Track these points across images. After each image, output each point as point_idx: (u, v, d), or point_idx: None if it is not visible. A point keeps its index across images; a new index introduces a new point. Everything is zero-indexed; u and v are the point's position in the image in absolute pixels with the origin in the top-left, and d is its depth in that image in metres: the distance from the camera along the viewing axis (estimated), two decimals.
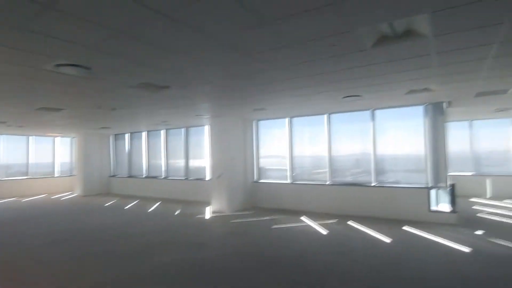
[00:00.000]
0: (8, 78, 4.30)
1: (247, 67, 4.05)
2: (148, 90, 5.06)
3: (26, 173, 13.67)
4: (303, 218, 7.58)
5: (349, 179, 8.33)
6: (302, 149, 9.22)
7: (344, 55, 3.63)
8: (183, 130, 11.49)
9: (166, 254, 5.05)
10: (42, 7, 2.31)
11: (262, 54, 3.56)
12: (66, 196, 12.85)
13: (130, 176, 13.41)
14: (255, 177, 9.70)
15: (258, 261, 4.67)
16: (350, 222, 6.95)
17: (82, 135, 12.98)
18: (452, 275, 3.99)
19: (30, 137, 13.67)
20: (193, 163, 11.40)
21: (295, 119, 9.17)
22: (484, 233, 5.79)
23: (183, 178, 11.49)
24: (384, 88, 5.42)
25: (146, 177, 12.77)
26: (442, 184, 6.94)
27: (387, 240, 5.57)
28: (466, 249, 4.93)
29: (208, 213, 8.59)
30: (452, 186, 6.82)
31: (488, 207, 8.29)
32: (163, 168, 12.20)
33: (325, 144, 8.58)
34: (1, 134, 12.77)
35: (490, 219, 7.03)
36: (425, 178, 7.20)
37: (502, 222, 6.73)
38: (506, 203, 8.88)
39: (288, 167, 9.18)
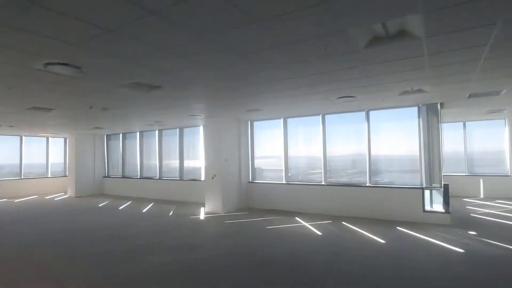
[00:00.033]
0: None
1: (241, 67, 4.01)
2: (140, 90, 5.00)
3: (19, 174, 13.49)
4: (297, 218, 7.56)
5: (344, 179, 8.33)
6: (297, 149, 9.21)
7: (337, 56, 3.61)
8: (177, 130, 11.41)
9: (159, 255, 4.99)
10: (29, 3, 2.25)
11: (255, 54, 3.53)
12: (59, 197, 12.71)
13: (123, 177, 13.30)
14: (250, 178, 9.66)
15: (252, 262, 4.64)
16: (344, 223, 6.95)
17: (75, 135, 12.84)
18: (446, 275, 3.99)
19: (23, 137, 13.49)
20: (188, 163, 11.33)
21: (290, 120, 9.14)
22: (477, 234, 5.81)
23: (178, 178, 11.41)
24: (378, 89, 5.41)
25: (140, 178, 12.67)
26: (436, 185, 6.97)
27: (381, 240, 5.57)
28: (459, 250, 4.94)
29: (202, 213, 8.54)
30: (446, 187, 6.84)
31: (481, 208, 8.34)
32: (157, 169, 12.11)
33: (320, 145, 8.57)
34: None
35: (483, 219, 7.07)
36: (419, 179, 7.22)
37: (495, 222, 6.77)
38: (498, 203, 8.95)
39: (283, 168, 9.16)
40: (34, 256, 5.10)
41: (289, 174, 9.12)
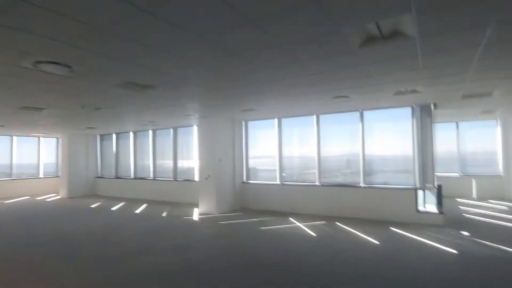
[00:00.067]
0: None
1: (235, 67, 3.97)
2: (133, 89, 4.93)
3: (10, 174, 13.28)
4: (291, 219, 7.54)
5: (338, 180, 8.34)
6: (292, 149, 9.19)
7: (332, 56, 3.59)
8: (171, 130, 11.32)
9: (152, 257, 4.93)
10: None
11: (249, 54, 3.49)
12: (51, 197, 12.53)
13: (117, 177, 13.17)
14: (244, 178, 9.62)
15: (245, 263, 4.60)
16: (338, 223, 6.94)
17: (67, 135, 12.67)
18: (439, 276, 3.99)
19: (14, 137, 13.29)
20: (182, 164, 11.25)
21: (284, 120, 9.12)
22: (469, 234, 5.84)
23: (171, 179, 11.33)
24: (372, 89, 5.42)
25: (133, 178, 12.54)
26: (430, 185, 7.00)
27: (375, 241, 5.57)
28: (452, 251, 4.95)
29: (196, 214, 8.48)
30: (439, 187, 6.88)
31: (474, 208, 8.41)
32: (151, 169, 12.00)
33: (315, 145, 8.55)
34: None
35: (475, 219, 7.12)
36: (413, 179, 7.25)
37: (487, 222, 6.82)
38: (490, 203, 9.03)
39: (277, 168, 9.13)
40: (23, 258, 4.99)
41: (284, 174, 9.10)
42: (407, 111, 7.37)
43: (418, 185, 7.14)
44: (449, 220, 6.80)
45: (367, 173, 7.88)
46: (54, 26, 2.66)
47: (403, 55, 3.63)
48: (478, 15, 2.63)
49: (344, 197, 7.84)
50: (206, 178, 8.68)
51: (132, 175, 12.61)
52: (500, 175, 10.07)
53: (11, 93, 5.16)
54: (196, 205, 9.20)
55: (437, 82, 5.00)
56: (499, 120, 10.12)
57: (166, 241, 5.90)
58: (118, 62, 3.66)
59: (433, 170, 6.95)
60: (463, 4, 2.41)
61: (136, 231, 6.79)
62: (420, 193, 7.10)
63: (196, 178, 10.02)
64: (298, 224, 7.06)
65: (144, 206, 10.11)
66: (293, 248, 5.34)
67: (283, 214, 8.11)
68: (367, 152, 7.90)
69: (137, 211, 9.30)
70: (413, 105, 7.20)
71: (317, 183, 8.42)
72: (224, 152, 9.01)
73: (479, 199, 9.76)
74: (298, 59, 3.70)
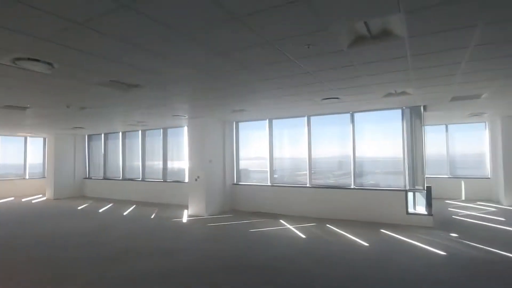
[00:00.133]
0: None
1: (222, 66, 3.88)
2: (118, 88, 4.80)
3: None
4: (282, 221, 7.47)
5: (329, 181, 8.30)
6: (283, 151, 9.13)
7: (321, 55, 3.53)
8: (161, 131, 11.16)
9: (139, 260, 4.80)
10: None
11: (236, 52, 3.41)
12: (37, 199, 12.23)
13: (105, 178, 12.93)
14: (235, 179, 9.52)
15: (234, 266, 4.51)
16: (328, 225, 6.90)
17: (54, 135, 12.39)
18: (428, 278, 3.97)
19: None
20: (171, 164, 11.10)
21: (275, 121, 9.06)
22: (458, 236, 5.85)
23: (161, 180, 11.16)
24: (362, 90, 5.39)
25: (122, 179, 12.33)
26: (419, 187, 7.01)
27: (365, 243, 5.53)
28: (442, 252, 4.95)
29: (185, 216, 8.34)
30: (429, 189, 6.89)
31: (463, 209, 8.46)
32: (140, 170, 11.81)
33: (306, 147, 8.51)
34: None
35: (464, 221, 7.15)
36: (403, 181, 7.25)
37: (476, 224, 6.85)
38: (479, 205, 9.11)
39: (268, 170, 9.06)
40: (5, 260, 4.82)
41: (275, 176, 9.03)
42: (397, 113, 7.38)
43: (408, 187, 7.14)
44: (439, 222, 6.82)
45: (357, 175, 7.86)
46: (32, 22, 2.54)
47: (392, 56, 3.60)
48: (467, 16, 2.61)
49: (334, 199, 7.81)
50: (196, 180, 8.56)
51: (120, 176, 12.39)
52: (488, 177, 10.18)
53: None
54: (186, 207, 9.07)
55: (426, 84, 5.00)
56: (487, 123, 10.24)
57: (154, 244, 5.76)
58: (101, 59, 3.53)
59: (423, 172, 6.97)
60: (451, 4, 2.38)
61: (123, 233, 6.63)
62: (410, 195, 7.10)
63: (186, 180, 9.90)
64: (288, 226, 6.99)
65: (132, 207, 9.93)
66: (283, 250, 5.27)
67: (273, 216, 8.03)
68: (358, 154, 7.89)
69: (125, 212, 9.12)
70: (403, 107, 7.22)
71: (308, 185, 8.37)
72: (215, 153, 8.90)
73: (468, 200, 9.85)
74: (286, 58, 3.64)
